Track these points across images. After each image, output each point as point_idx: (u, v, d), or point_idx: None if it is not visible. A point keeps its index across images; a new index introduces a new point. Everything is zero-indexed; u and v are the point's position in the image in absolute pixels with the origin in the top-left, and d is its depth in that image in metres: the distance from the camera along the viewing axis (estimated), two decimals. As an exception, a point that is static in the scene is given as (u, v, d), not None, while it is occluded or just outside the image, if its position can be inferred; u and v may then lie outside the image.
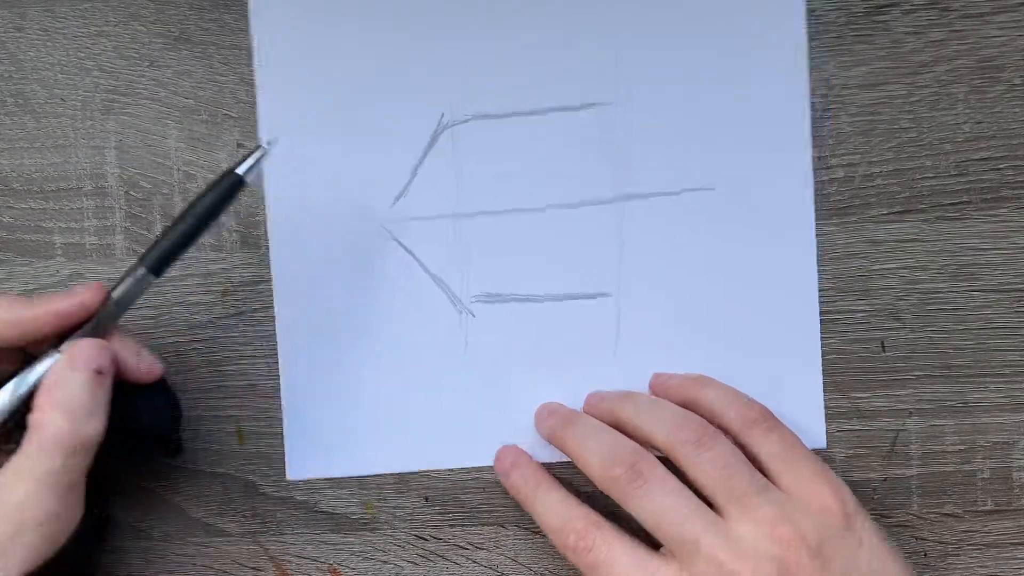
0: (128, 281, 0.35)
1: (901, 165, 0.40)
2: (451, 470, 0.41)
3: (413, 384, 0.41)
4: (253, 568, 0.41)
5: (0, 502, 0.32)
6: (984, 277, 0.40)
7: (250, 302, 0.41)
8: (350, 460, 0.41)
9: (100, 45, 0.41)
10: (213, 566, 0.41)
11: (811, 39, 0.40)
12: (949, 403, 0.40)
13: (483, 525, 0.41)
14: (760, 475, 0.35)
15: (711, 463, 0.35)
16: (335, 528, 0.41)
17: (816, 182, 0.40)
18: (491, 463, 0.40)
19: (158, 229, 0.41)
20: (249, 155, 0.35)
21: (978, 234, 0.40)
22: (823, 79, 0.40)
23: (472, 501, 0.41)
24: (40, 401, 0.33)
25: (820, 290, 0.40)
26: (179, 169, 0.41)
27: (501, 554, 0.41)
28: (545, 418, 0.40)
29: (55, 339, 0.35)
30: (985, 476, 0.40)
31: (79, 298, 0.34)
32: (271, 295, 0.41)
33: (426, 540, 0.41)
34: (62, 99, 0.41)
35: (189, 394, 0.41)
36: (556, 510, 0.37)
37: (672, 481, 0.35)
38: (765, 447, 0.36)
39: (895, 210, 0.40)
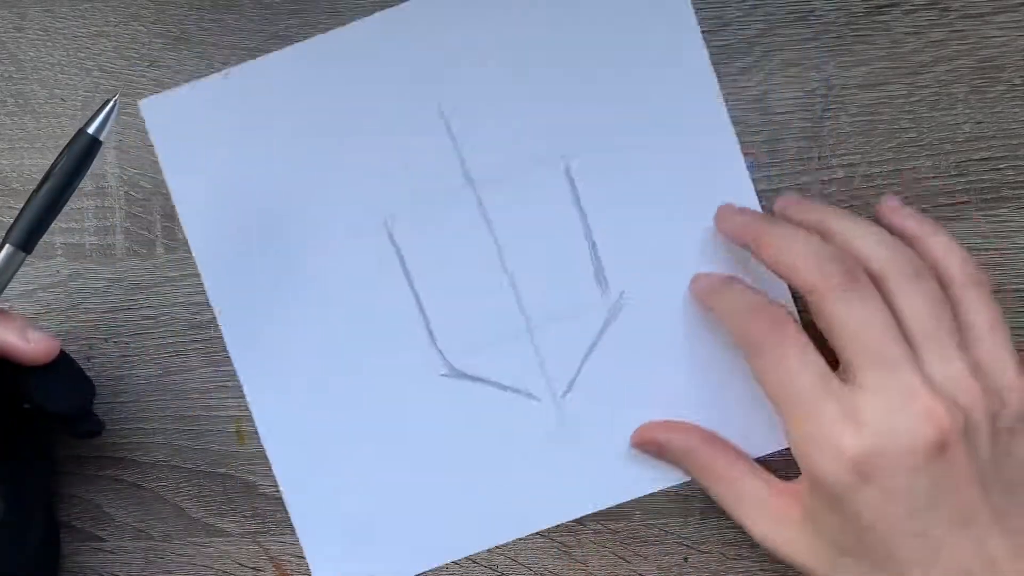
0: None
1: (901, 165, 0.40)
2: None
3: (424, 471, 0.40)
4: (253, 568, 0.41)
5: None
6: (984, 277, 0.40)
7: (250, 302, 0.41)
8: (378, 556, 0.40)
9: (100, 45, 0.41)
10: (213, 566, 0.41)
11: (811, 39, 0.40)
12: (949, 403, 0.40)
13: (483, 525, 0.41)
14: (965, 329, 0.34)
15: (924, 296, 0.33)
16: (335, 528, 0.41)
17: (816, 182, 0.40)
18: (513, 538, 0.41)
19: (159, 229, 0.41)
20: (99, 112, 0.34)
21: (978, 234, 0.40)
22: (823, 79, 0.40)
23: (472, 501, 0.41)
24: None
25: (820, 290, 0.40)
26: (179, 169, 0.41)
27: (501, 554, 0.41)
28: (734, 214, 0.38)
29: None
30: (985, 476, 0.40)
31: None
32: (271, 295, 0.41)
33: (426, 540, 0.41)
34: (62, 99, 0.41)
35: (189, 394, 0.41)
36: (749, 294, 0.36)
37: (882, 300, 0.33)
38: (977, 311, 0.34)
39: (895, 210, 0.40)
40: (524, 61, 0.40)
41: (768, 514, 0.36)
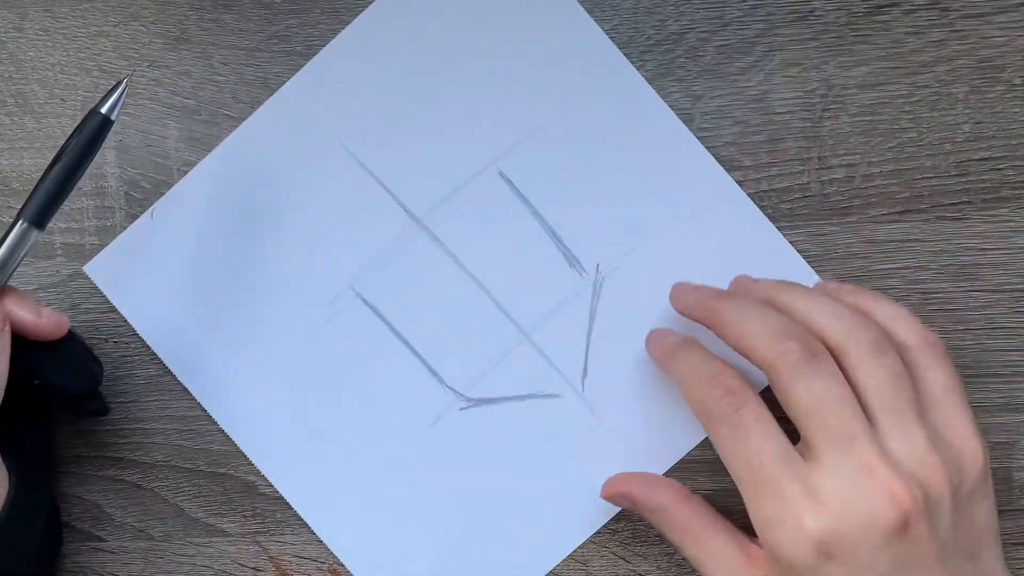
0: (10, 239, 0.35)
1: (901, 165, 0.40)
2: (451, 470, 0.41)
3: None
4: (253, 568, 0.41)
5: None
6: (984, 277, 0.40)
7: (250, 302, 0.41)
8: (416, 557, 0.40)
9: (100, 45, 0.41)
10: (213, 566, 0.41)
11: (811, 39, 0.40)
12: (949, 403, 0.40)
13: (483, 525, 0.41)
14: (924, 396, 0.34)
15: (885, 369, 0.33)
16: (335, 528, 0.41)
17: (816, 182, 0.40)
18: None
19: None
20: (111, 92, 0.35)
21: (978, 234, 0.40)
22: (823, 79, 0.40)
23: (472, 501, 0.41)
24: None
25: (820, 290, 0.40)
26: (179, 169, 0.41)
27: (501, 554, 0.41)
28: (688, 291, 0.38)
29: None
30: (985, 476, 0.40)
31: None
32: (271, 295, 0.41)
33: (426, 540, 0.41)
34: (62, 99, 0.41)
35: (189, 394, 0.41)
36: (706, 362, 0.35)
37: (841, 375, 0.33)
38: (931, 375, 0.34)
39: (895, 210, 0.40)
40: (427, 85, 0.40)
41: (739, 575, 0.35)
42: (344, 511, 0.40)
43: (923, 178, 0.40)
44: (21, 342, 0.35)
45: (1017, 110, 0.40)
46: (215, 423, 0.41)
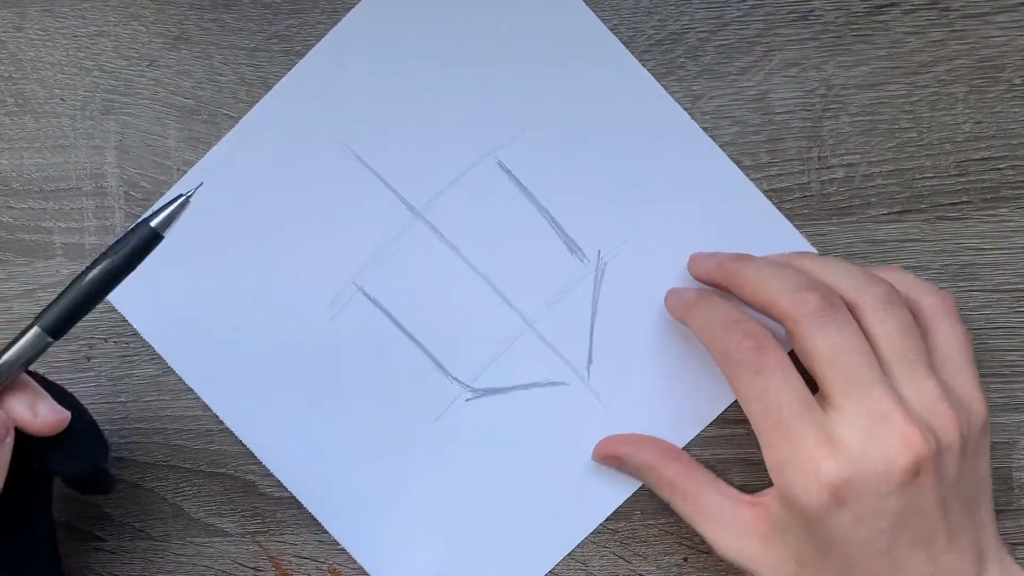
0: (22, 342, 0.32)
1: (901, 165, 0.40)
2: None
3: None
4: (253, 568, 0.41)
5: None
6: (984, 277, 0.40)
7: (250, 302, 0.41)
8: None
9: (100, 45, 0.41)
10: (213, 566, 0.41)
11: (811, 39, 0.40)
12: (949, 403, 0.40)
13: (483, 525, 0.41)
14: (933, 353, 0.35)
15: (896, 321, 0.34)
16: (335, 528, 0.41)
17: (816, 182, 0.40)
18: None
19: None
20: (166, 206, 0.32)
21: (978, 234, 0.40)
22: (823, 79, 0.40)
23: (472, 501, 0.41)
24: None
25: (820, 290, 0.40)
26: (179, 169, 0.41)
27: (501, 554, 0.41)
28: (705, 258, 0.38)
29: None
30: (985, 476, 0.40)
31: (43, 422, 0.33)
32: (271, 295, 0.41)
33: (426, 540, 0.41)
34: (62, 99, 0.41)
35: (189, 394, 0.41)
36: (726, 311, 0.35)
37: (856, 325, 0.34)
38: (943, 336, 0.36)
39: (895, 210, 0.40)
40: (422, 77, 0.40)
41: (732, 528, 0.36)
42: (352, 506, 0.40)
43: (923, 178, 0.40)
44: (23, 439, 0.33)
45: (1017, 110, 0.40)
46: (215, 423, 0.41)
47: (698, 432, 0.40)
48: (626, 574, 0.41)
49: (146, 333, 0.40)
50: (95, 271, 0.32)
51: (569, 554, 0.40)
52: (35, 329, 0.32)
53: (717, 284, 0.38)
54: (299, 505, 0.41)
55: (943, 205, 0.40)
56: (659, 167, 0.40)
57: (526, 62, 0.40)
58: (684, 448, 0.40)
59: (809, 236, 0.40)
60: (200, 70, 0.41)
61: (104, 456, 0.36)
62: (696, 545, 0.40)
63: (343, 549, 0.41)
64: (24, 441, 0.33)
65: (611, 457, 0.39)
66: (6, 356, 0.32)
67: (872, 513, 0.33)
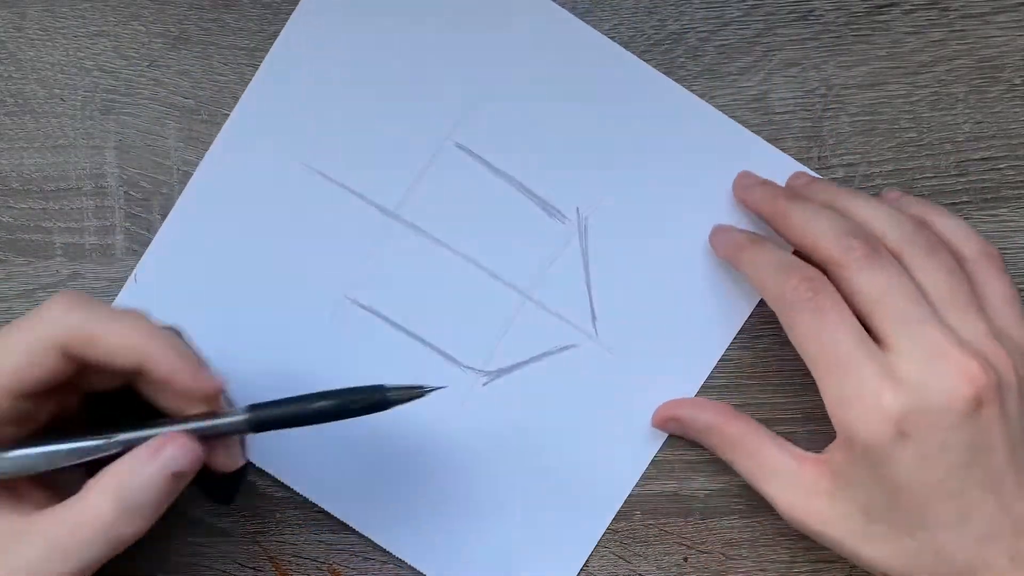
0: (227, 419, 0.33)
1: (901, 165, 0.40)
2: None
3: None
4: (253, 568, 0.41)
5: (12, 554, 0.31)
6: (984, 277, 0.40)
7: (250, 302, 0.41)
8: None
9: (100, 45, 0.41)
10: (213, 566, 0.41)
11: (811, 39, 0.40)
12: (949, 403, 0.40)
13: (483, 525, 0.41)
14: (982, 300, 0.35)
15: (942, 266, 0.34)
16: (335, 528, 0.41)
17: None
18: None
19: (158, 229, 0.40)
20: (412, 390, 0.34)
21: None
22: (823, 79, 0.40)
23: (472, 501, 0.41)
24: (103, 481, 0.31)
25: (820, 290, 0.40)
26: (179, 169, 0.41)
27: (501, 554, 0.41)
28: (755, 186, 0.38)
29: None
30: (985, 476, 0.40)
31: (204, 390, 0.32)
32: (271, 295, 0.40)
33: (426, 540, 0.41)
34: (62, 99, 0.41)
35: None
36: (780, 255, 0.36)
37: (900, 267, 0.34)
38: (992, 285, 0.35)
39: (895, 210, 0.40)
40: (363, 79, 0.40)
41: (796, 485, 0.36)
42: (396, 513, 0.40)
43: (923, 178, 0.40)
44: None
45: (1017, 110, 0.40)
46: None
47: (714, 365, 0.40)
48: (626, 574, 0.41)
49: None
50: (319, 403, 0.33)
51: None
52: (245, 414, 0.33)
53: (761, 214, 0.38)
54: (299, 505, 0.41)
55: (943, 205, 0.40)
56: (618, 112, 0.40)
57: (462, 38, 0.40)
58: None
59: (809, 236, 0.40)
60: (200, 70, 0.41)
61: (245, 476, 0.36)
62: (696, 545, 0.40)
63: (343, 549, 0.41)
64: None
65: (671, 419, 0.39)
66: (213, 423, 0.32)
67: (938, 449, 0.32)
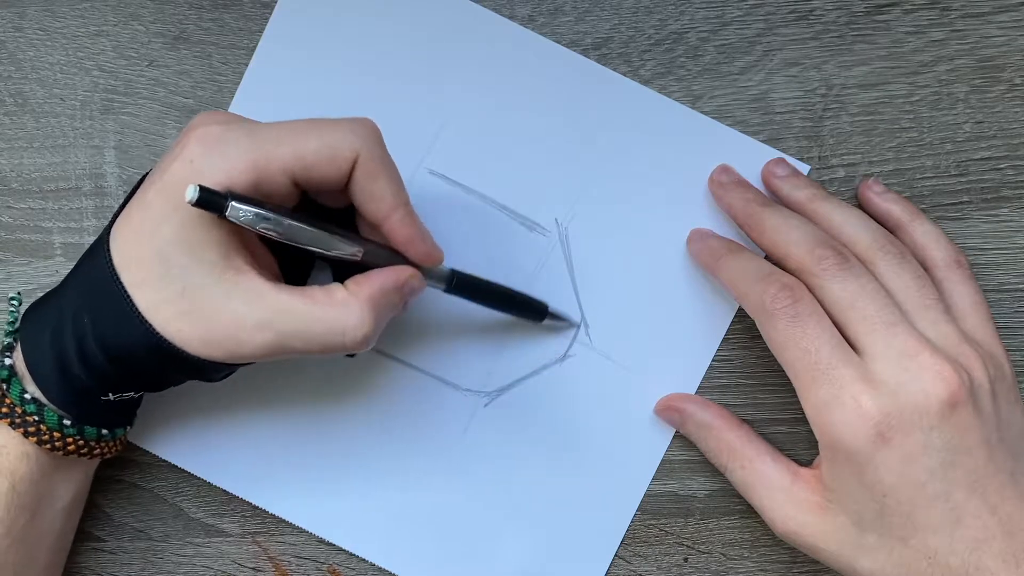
0: (435, 269, 0.36)
1: (901, 165, 0.40)
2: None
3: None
4: (253, 568, 0.41)
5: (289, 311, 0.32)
6: (984, 277, 0.40)
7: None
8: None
9: (100, 45, 0.41)
10: (213, 566, 0.41)
11: (811, 39, 0.40)
12: (949, 403, 0.40)
13: (483, 525, 0.41)
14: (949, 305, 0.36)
15: (910, 273, 0.35)
16: (335, 528, 0.41)
17: (816, 182, 0.40)
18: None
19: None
20: (568, 320, 0.40)
21: (978, 234, 0.40)
22: (823, 79, 0.40)
23: (472, 501, 0.41)
24: (364, 290, 0.33)
25: (820, 290, 0.40)
26: (179, 169, 0.41)
27: (501, 554, 0.41)
28: (735, 187, 0.39)
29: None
30: (985, 476, 0.40)
31: (427, 255, 0.35)
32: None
33: (426, 540, 0.41)
34: (61, 99, 0.41)
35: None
36: (758, 264, 0.36)
37: (871, 274, 0.35)
38: (959, 289, 0.37)
39: (895, 210, 0.40)
40: (335, 99, 0.40)
41: (789, 500, 0.36)
42: (413, 545, 0.40)
43: (923, 178, 0.40)
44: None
45: (1017, 110, 0.40)
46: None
47: (710, 361, 0.40)
48: (626, 574, 0.41)
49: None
50: (504, 291, 0.38)
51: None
52: (446, 270, 0.37)
53: (735, 217, 0.38)
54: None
55: (943, 205, 0.40)
56: (585, 119, 0.40)
57: (421, 63, 0.40)
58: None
59: (809, 236, 0.40)
60: (200, 70, 0.41)
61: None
62: (695, 545, 0.40)
63: (343, 549, 0.41)
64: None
65: (673, 409, 0.39)
66: (427, 268, 0.36)
67: (919, 450, 0.33)
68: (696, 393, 0.40)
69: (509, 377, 0.40)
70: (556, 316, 0.39)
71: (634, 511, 0.40)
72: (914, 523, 0.33)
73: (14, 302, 0.36)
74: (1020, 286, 0.40)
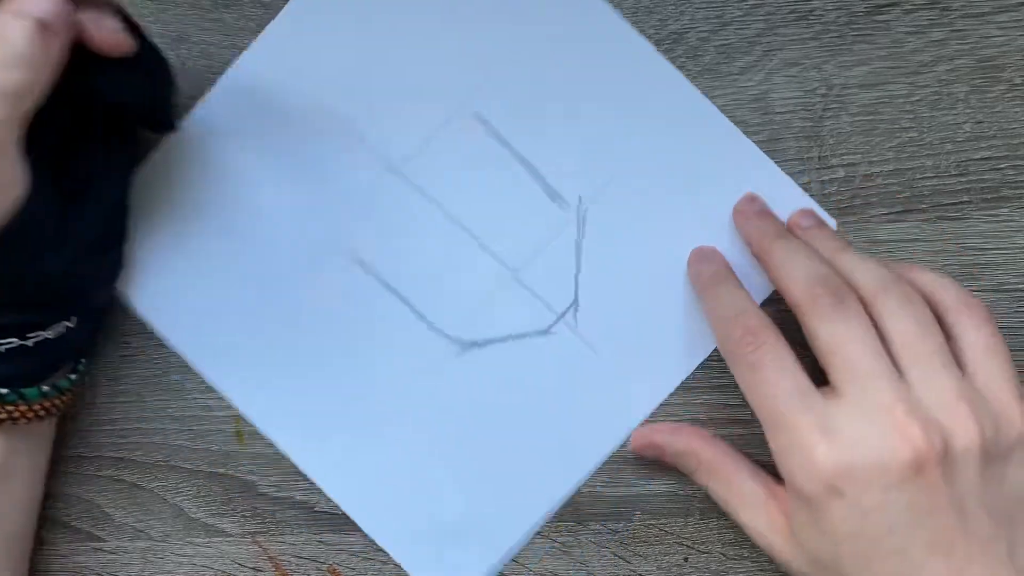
0: None
1: (901, 165, 0.40)
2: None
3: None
4: (253, 568, 0.41)
5: None
6: (984, 277, 0.40)
7: (250, 302, 0.41)
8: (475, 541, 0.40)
9: (100, 45, 0.41)
10: (213, 566, 0.41)
11: (811, 39, 0.40)
12: (949, 403, 0.40)
13: (483, 525, 0.41)
14: (959, 353, 0.34)
15: (911, 318, 0.34)
16: (335, 528, 0.41)
17: (816, 182, 0.40)
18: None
19: (158, 229, 0.40)
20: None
21: (979, 234, 0.40)
22: (823, 79, 0.40)
23: (472, 501, 0.41)
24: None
25: (820, 290, 0.40)
26: (179, 169, 0.41)
27: (501, 554, 0.41)
28: (753, 216, 0.39)
29: None
30: (985, 476, 0.40)
31: None
32: (271, 295, 0.40)
33: (426, 540, 0.41)
34: (62, 99, 0.41)
35: (189, 394, 0.41)
36: (733, 300, 0.36)
37: (868, 322, 0.34)
38: (971, 336, 0.34)
39: (895, 210, 0.40)
40: (395, 30, 0.40)
41: (763, 518, 0.36)
42: (352, 472, 0.40)
43: (923, 178, 0.40)
44: (82, 53, 0.33)
45: (1017, 110, 0.40)
46: (215, 423, 0.41)
47: (688, 374, 0.40)
48: (626, 574, 0.41)
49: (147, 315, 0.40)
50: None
51: (569, 554, 0.40)
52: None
53: (750, 245, 0.38)
54: (299, 505, 0.41)
55: (944, 205, 0.40)
56: (632, 107, 0.40)
57: (496, 8, 0.40)
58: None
59: (809, 236, 0.40)
60: (200, 70, 0.41)
61: (167, 80, 0.36)
62: (696, 545, 0.40)
63: (343, 549, 0.41)
64: (87, 68, 0.33)
65: (649, 446, 0.39)
66: None
67: (877, 506, 0.32)
68: (687, 398, 0.40)
69: (489, 333, 0.40)
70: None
71: (546, 509, 0.40)
72: (872, 572, 0.32)
73: None
74: (1020, 286, 0.40)
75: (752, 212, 0.39)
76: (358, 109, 0.40)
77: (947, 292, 0.35)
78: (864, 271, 0.35)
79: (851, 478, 0.32)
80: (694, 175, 0.40)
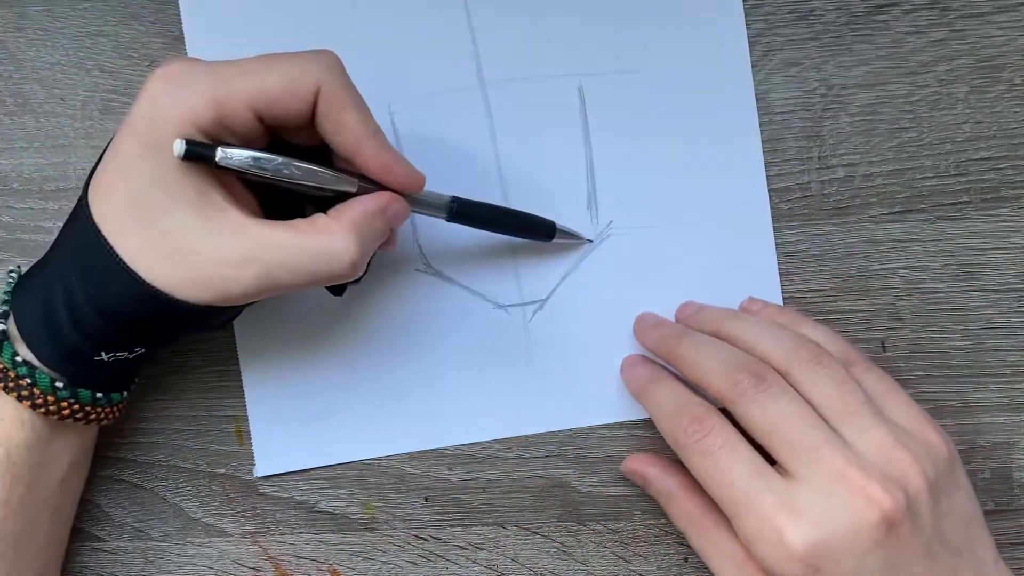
0: (433, 198, 0.36)
1: (901, 165, 0.40)
2: (449, 469, 0.41)
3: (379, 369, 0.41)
4: (253, 568, 0.41)
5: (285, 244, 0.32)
6: (984, 277, 0.40)
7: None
8: (318, 450, 0.41)
9: (100, 45, 0.41)
10: (213, 566, 0.41)
11: (811, 39, 0.40)
12: (949, 403, 0.40)
13: (483, 525, 0.41)
14: (872, 400, 0.35)
15: (829, 379, 0.34)
16: (335, 528, 0.41)
17: (816, 182, 0.40)
18: (465, 441, 0.41)
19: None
20: (577, 236, 0.40)
21: (978, 234, 0.40)
22: (823, 79, 0.40)
23: (472, 501, 0.41)
24: (344, 220, 0.33)
25: (820, 290, 0.40)
26: (179, 169, 0.41)
27: (501, 554, 0.41)
28: (650, 328, 0.39)
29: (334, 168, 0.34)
30: (985, 476, 0.40)
31: (407, 181, 0.34)
32: (271, 295, 0.40)
33: (426, 540, 0.41)
34: (62, 99, 0.41)
35: (189, 394, 0.41)
36: (674, 395, 0.36)
37: (793, 392, 0.34)
38: (869, 381, 0.36)
39: (895, 210, 0.40)
40: None
41: (740, 574, 0.35)
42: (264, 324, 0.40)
43: (923, 178, 0.40)
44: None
45: (1017, 110, 0.40)
46: (215, 423, 0.41)
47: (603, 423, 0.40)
48: (626, 574, 0.41)
49: None
50: (502, 213, 0.38)
51: (569, 554, 0.41)
52: (448, 199, 0.37)
53: (658, 356, 0.39)
54: (299, 505, 0.41)
55: (943, 205, 0.40)
56: (706, 171, 0.40)
57: (646, 20, 0.40)
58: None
59: (809, 236, 0.40)
60: (200, 70, 0.41)
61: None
62: (696, 545, 0.40)
63: (343, 549, 0.41)
64: None
65: (637, 473, 0.39)
66: (421, 197, 0.36)
67: (855, 574, 0.32)
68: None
69: (453, 273, 0.40)
70: (566, 233, 0.39)
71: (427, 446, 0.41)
72: None
73: (13, 274, 0.36)
74: (1020, 286, 0.40)
75: (648, 324, 0.40)
76: (485, 13, 0.40)
77: (835, 346, 0.36)
78: (767, 340, 0.36)
79: (826, 555, 0.32)
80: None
